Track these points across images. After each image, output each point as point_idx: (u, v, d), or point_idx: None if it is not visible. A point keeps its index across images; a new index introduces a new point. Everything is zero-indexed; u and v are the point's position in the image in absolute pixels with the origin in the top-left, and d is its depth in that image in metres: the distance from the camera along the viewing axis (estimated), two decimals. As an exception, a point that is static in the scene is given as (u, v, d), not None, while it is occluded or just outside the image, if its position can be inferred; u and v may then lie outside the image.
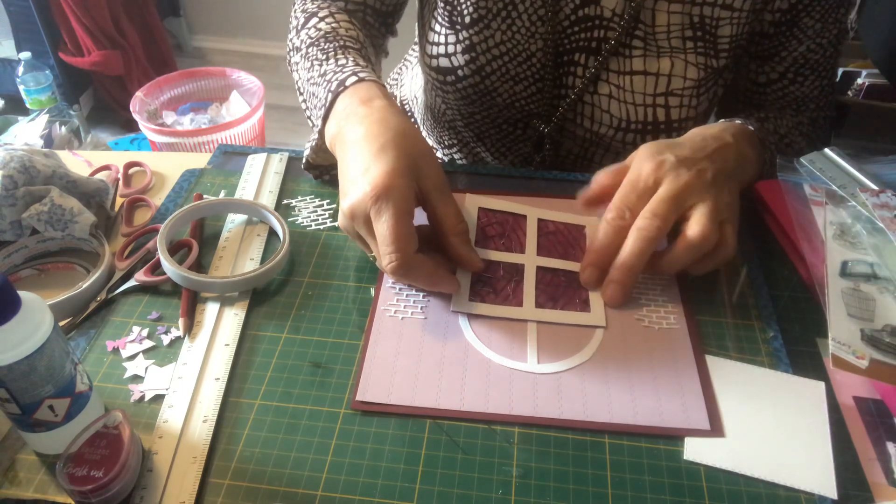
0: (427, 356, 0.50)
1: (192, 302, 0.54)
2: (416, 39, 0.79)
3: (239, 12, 2.48)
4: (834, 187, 0.61)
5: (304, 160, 0.65)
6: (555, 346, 0.51)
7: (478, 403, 0.47)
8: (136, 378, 0.49)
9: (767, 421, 0.47)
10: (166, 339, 0.52)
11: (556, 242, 0.60)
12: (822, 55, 0.68)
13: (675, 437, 0.46)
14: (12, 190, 0.56)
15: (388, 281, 0.57)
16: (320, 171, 0.66)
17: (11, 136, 1.79)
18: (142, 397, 0.48)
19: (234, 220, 0.62)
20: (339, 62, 0.62)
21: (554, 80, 0.69)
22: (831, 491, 0.43)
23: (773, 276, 0.58)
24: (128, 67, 2.08)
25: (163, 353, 0.51)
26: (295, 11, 0.74)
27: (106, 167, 0.69)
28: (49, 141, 1.80)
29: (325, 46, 0.65)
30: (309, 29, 0.68)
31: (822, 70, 0.69)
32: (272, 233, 0.61)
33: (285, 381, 0.49)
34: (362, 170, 0.51)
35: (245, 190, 0.65)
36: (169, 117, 1.94)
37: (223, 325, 0.53)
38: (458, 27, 0.68)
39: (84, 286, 0.54)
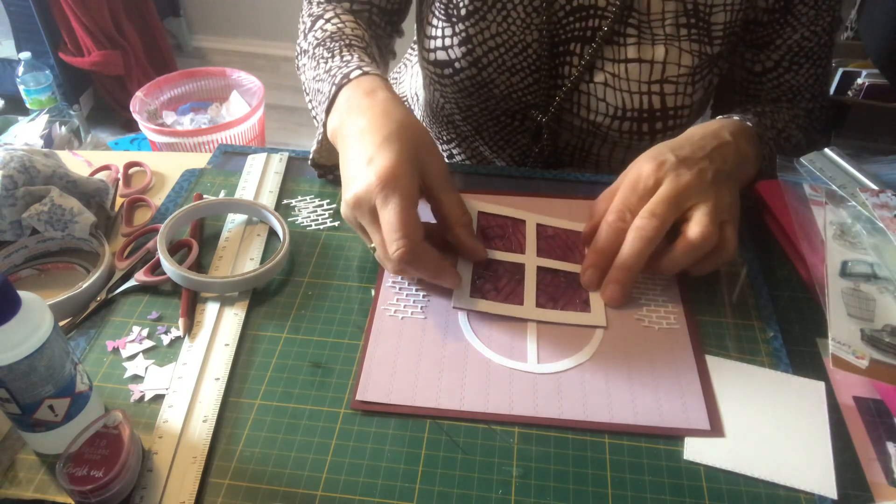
0: (427, 356, 0.50)
1: (192, 302, 0.54)
2: (415, 36, 0.80)
3: (239, 12, 2.48)
4: (834, 187, 0.61)
5: (310, 157, 0.65)
6: (555, 346, 0.51)
7: (478, 403, 0.47)
8: (136, 378, 0.49)
9: (767, 421, 0.47)
10: (166, 339, 0.52)
11: (556, 246, 0.60)
12: (816, 43, 0.68)
13: (675, 437, 0.46)
14: (12, 190, 0.56)
15: (388, 281, 0.57)
16: (324, 170, 0.66)
17: (11, 136, 1.79)
18: (142, 397, 0.48)
19: (234, 220, 0.62)
20: (345, 58, 0.63)
21: (550, 71, 0.70)
22: (831, 491, 0.43)
23: (773, 276, 0.58)
24: (128, 67, 2.08)
25: (163, 353, 0.51)
26: (302, 16, 0.74)
27: (106, 167, 0.69)
28: (49, 141, 1.80)
29: (331, 45, 0.66)
30: (315, 31, 0.69)
31: (816, 58, 0.70)
32: (272, 233, 0.61)
33: (285, 381, 0.49)
34: (366, 159, 0.51)
35: (245, 190, 0.65)
36: (169, 117, 1.94)
37: (223, 325, 0.53)
38: (454, 20, 0.69)
39: (84, 286, 0.54)
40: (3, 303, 0.38)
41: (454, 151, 0.86)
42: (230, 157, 0.71)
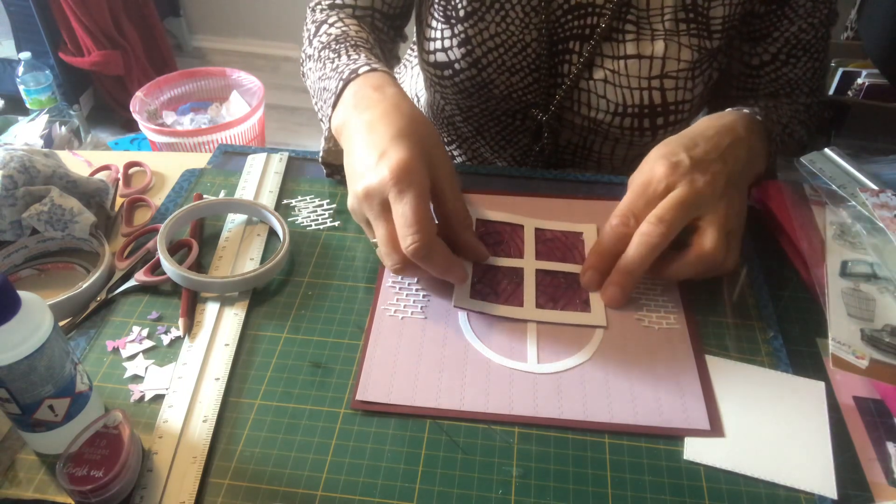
0: (427, 356, 0.50)
1: (192, 302, 0.54)
2: (415, 38, 0.80)
3: (239, 12, 2.48)
4: (834, 187, 0.61)
5: (320, 156, 0.65)
6: (555, 346, 0.51)
7: (478, 403, 0.47)
8: (136, 378, 0.49)
9: (767, 421, 0.47)
10: (166, 339, 0.52)
11: (555, 248, 0.60)
12: (813, 35, 0.68)
13: (675, 437, 0.46)
14: (12, 190, 0.56)
15: (388, 281, 0.57)
16: (333, 169, 0.66)
17: (11, 136, 1.79)
18: (142, 397, 0.48)
19: (234, 220, 0.62)
20: (352, 57, 0.63)
21: (550, 69, 0.70)
22: (831, 491, 0.43)
23: (773, 276, 0.58)
24: (128, 67, 2.08)
25: (163, 353, 0.51)
26: (306, 24, 0.74)
27: (106, 167, 0.69)
28: (49, 141, 1.80)
29: (337, 47, 0.66)
30: (320, 35, 0.69)
31: (814, 51, 0.70)
32: (272, 233, 0.61)
33: (285, 381, 0.49)
34: (379, 152, 0.51)
35: (245, 190, 0.65)
36: (169, 117, 1.94)
37: (223, 325, 0.53)
38: (452, 21, 0.69)
39: (84, 286, 0.54)
40: (3, 303, 0.38)
41: (455, 153, 0.86)
42: (230, 157, 0.71)
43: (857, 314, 0.52)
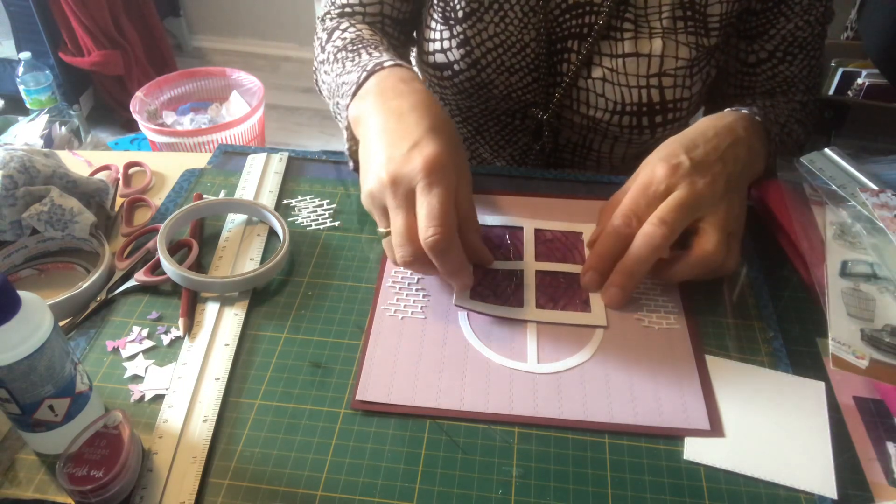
0: (427, 356, 0.50)
1: (192, 302, 0.54)
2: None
3: (239, 12, 2.48)
4: (834, 187, 0.61)
5: (346, 151, 0.64)
6: (555, 346, 0.51)
7: (478, 403, 0.47)
8: (136, 378, 0.49)
9: (767, 421, 0.47)
10: (166, 339, 0.52)
11: (555, 249, 0.60)
12: (809, 33, 0.69)
13: (675, 437, 0.46)
14: (12, 190, 0.56)
15: (388, 281, 0.57)
16: (357, 164, 0.66)
17: (11, 136, 1.79)
18: (142, 397, 0.48)
19: (234, 220, 0.62)
20: (373, 54, 0.63)
21: (549, 69, 0.70)
22: (831, 491, 0.43)
23: (773, 276, 0.58)
24: (128, 67, 2.08)
25: (163, 353, 0.51)
26: (317, 33, 0.74)
27: (106, 167, 0.69)
28: (49, 141, 1.80)
29: (354, 48, 0.65)
30: (334, 40, 0.68)
31: (810, 49, 0.70)
32: (272, 233, 0.61)
33: (285, 381, 0.49)
34: (412, 142, 0.50)
35: (245, 190, 0.65)
36: (169, 117, 1.94)
37: (223, 325, 0.53)
38: (451, 22, 0.69)
39: (84, 286, 0.54)
40: (3, 303, 0.38)
41: None
42: (230, 157, 0.71)
43: (857, 314, 0.52)
